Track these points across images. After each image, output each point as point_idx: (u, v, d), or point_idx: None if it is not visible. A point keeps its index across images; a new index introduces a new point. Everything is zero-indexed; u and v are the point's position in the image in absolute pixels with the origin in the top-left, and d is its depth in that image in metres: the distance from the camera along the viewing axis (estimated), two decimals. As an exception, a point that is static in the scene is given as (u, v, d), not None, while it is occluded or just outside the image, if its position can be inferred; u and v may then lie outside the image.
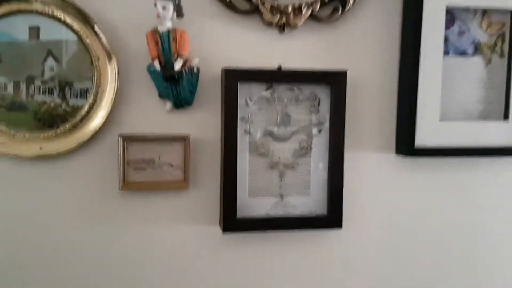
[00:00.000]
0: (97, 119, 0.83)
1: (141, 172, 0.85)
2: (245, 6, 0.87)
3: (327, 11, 0.90)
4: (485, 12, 0.96)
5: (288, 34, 0.90)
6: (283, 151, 0.91)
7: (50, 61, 0.82)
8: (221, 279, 0.93)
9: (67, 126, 0.83)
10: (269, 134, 0.90)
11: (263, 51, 0.89)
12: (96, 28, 0.81)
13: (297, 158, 0.91)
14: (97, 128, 0.83)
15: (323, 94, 0.90)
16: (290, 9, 0.87)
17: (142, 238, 0.89)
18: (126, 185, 0.85)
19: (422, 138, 0.93)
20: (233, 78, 0.86)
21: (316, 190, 0.92)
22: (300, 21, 0.88)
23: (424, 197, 0.99)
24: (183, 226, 0.90)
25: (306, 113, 0.91)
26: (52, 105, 0.83)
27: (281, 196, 0.91)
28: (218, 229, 0.91)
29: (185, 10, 0.83)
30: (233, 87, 0.86)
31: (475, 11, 0.96)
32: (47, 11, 0.80)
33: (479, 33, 0.97)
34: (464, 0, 0.94)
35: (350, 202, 0.95)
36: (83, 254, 0.88)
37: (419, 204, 0.99)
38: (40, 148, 0.82)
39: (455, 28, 0.96)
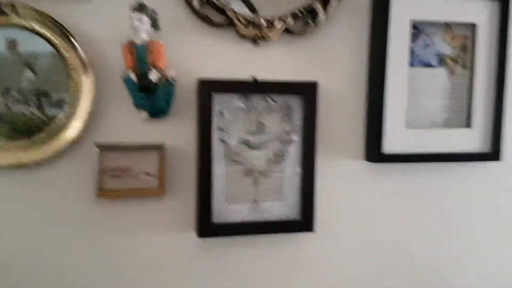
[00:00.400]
0: (74, 129, 0.85)
1: (117, 180, 0.87)
2: (220, 19, 0.90)
3: (299, 24, 0.94)
4: (448, 25, 1.01)
5: (262, 46, 0.93)
6: (258, 158, 0.94)
7: (27, 73, 0.83)
8: (198, 285, 0.95)
9: (44, 135, 0.84)
10: (244, 142, 0.93)
11: (238, 63, 0.92)
12: (73, 40, 0.83)
13: (271, 165, 0.95)
14: (74, 138, 0.85)
15: (296, 104, 0.94)
16: (263, 22, 0.91)
17: (118, 245, 0.90)
18: (102, 192, 0.86)
19: (389, 145, 0.98)
20: (208, 89, 0.88)
21: (290, 196, 0.95)
22: (274, 34, 0.92)
23: (392, 201, 1.03)
24: (159, 232, 0.92)
25: (280, 122, 0.94)
26: (29, 115, 0.84)
27: (256, 202, 0.94)
28: (194, 235, 0.93)
29: (161, 23, 0.85)
30: (208, 98, 0.88)
31: (439, 24, 1.01)
32: (24, 24, 0.81)
33: (443, 45, 1.02)
34: (428, 15, 0.99)
35: (322, 207, 0.98)
36: (59, 262, 0.88)
37: (387, 208, 1.03)
38: (17, 158, 0.83)
39: (420, 41, 1.01)
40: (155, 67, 0.84)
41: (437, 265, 1.07)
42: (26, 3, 0.81)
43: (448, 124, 1.03)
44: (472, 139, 1.03)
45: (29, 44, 0.82)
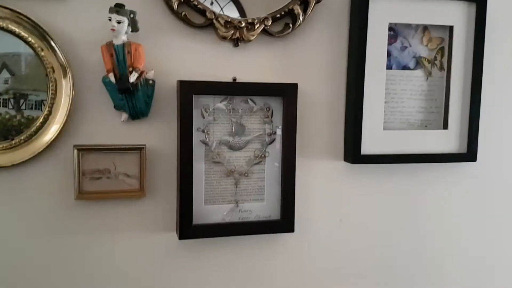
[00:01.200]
0: (52, 130, 0.84)
1: (97, 181, 0.87)
2: (200, 20, 0.91)
3: (278, 26, 0.95)
4: (425, 28, 1.03)
5: (241, 48, 0.94)
6: (238, 159, 0.95)
7: (5, 74, 0.82)
8: (179, 286, 0.95)
9: (22, 137, 0.83)
10: (224, 143, 0.94)
11: (218, 64, 0.93)
12: (51, 41, 0.82)
13: (251, 166, 0.95)
14: (52, 139, 0.84)
15: (276, 105, 0.95)
16: (243, 24, 0.91)
17: (98, 247, 0.90)
18: (81, 194, 0.86)
19: (368, 146, 1.00)
20: (188, 90, 0.89)
21: (270, 196, 0.96)
22: (253, 36, 0.92)
23: (371, 201, 1.05)
24: (140, 234, 0.92)
25: (260, 123, 0.95)
26: (7, 116, 0.83)
27: (237, 203, 0.95)
28: (175, 236, 0.93)
29: (140, 24, 0.85)
30: (188, 99, 0.89)
31: (416, 27, 1.03)
32: (2, 24, 0.80)
33: (420, 48, 1.04)
34: (405, 17, 1.01)
35: (302, 207, 0.99)
36: (39, 265, 0.88)
37: (366, 207, 1.05)
38: (-6, 160, 0.82)
39: (398, 43, 1.03)
40: (134, 68, 0.84)
41: (415, 264, 1.10)
42: (2, 4, 0.80)
43: (424, 125, 1.05)
44: (448, 140, 1.05)
45: (7, 45, 0.81)
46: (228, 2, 0.92)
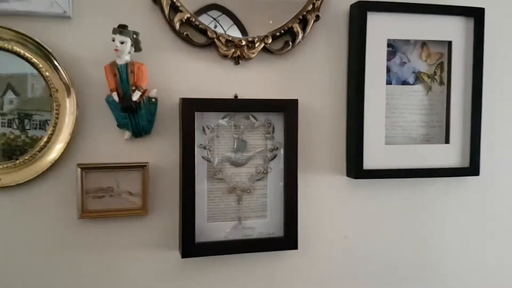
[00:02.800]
0: (56, 150, 0.85)
1: (100, 200, 0.87)
2: (201, 39, 0.92)
3: (278, 44, 0.96)
4: (424, 43, 1.04)
5: (242, 65, 0.95)
6: (240, 176, 0.95)
7: (9, 95, 0.84)
8: (181, 304, 0.95)
9: (26, 157, 0.84)
10: (226, 160, 0.94)
11: (219, 82, 0.94)
12: (55, 61, 0.84)
13: (254, 182, 0.95)
14: (56, 159, 0.85)
15: (277, 121, 0.95)
16: (244, 42, 0.93)
17: (102, 265, 0.90)
18: (85, 213, 0.86)
19: (370, 161, 0.99)
20: (190, 108, 0.89)
21: (273, 213, 0.96)
22: (254, 54, 0.94)
23: (374, 216, 1.04)
24: (143, 252, 0.92)
25: (262, 139, 0.95)
26: (12, 136, 0.84)
27: (239, 220, 0.95)
28: (177, 254, 0.93)
29: (143, 44, 0.87)
30: (190, 116, 0.89)
31: (414, 42, 1.04)
32: (6, 46, 0.82)
33: (419, 63, 1.05)
34: (403, 33, 1.02)
35: (306, 224, 0.99)
36: (42, 282, 0.87)
37: (370, 223, 1.04)
38: (-1, 179, 0.83)
39: (397, 59, 1.04)
40: (137, 87, 0.86)
41: (418, 278, 1.08)
42: (6, 25, 0.82)
43: (426, 140, 1.05)
44: (450, 154, 1.05)
45: (12, 66, 0.83)
46: (232, 25, 0.93)
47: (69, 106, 0.85)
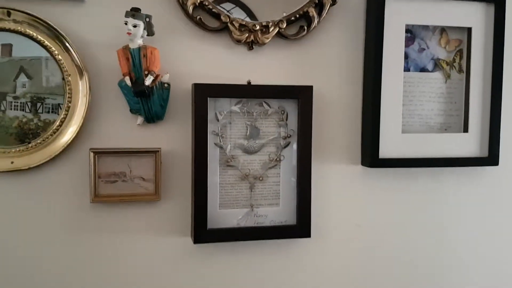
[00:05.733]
0: (69, 134, 0.85)
1: (112, 185, 0.87)
2: (215, 24, 0.91)
3: (293, 29, 0.94)
4: (443, 30, 1.02)
5: (256, 51, 0.93)
6: (253, 163, 0.94)
7: (22, 78, 0.84)
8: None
9: (39, 140, 0.84)
10: (239, 147, 0.93)
11: (232, 67, 0.93)
12: (67, 45, 0.83)
13: (266, 170, 0.94)
14: (69, 143, 0.85)
15: (291, 108, 0.94)
16: (258, 27, 0.91)
17: (113, 250, 0.90)
18: (97, 198, 0.86)
19: (386, 150, 0.97)
20: (203, 93, 0.88)
21: (286, 201, 0.95)
22: (268, 39, 0.92)
23: (389, 206, 1.03)
24: (154, 238, 0.91)
25: (275, 126, 0.94)
26: (24, 120, 0.84)
27: (252, 207, 0.94)
28: (189, 240, 0.93)
29: (156, 28, 0.86)
30: (203, 102, 0.88)
31: (433, 29, 1.01)
32: (19, 29, 0.81)
33: (438, 50, 1.02)
34: (422, 19, 0.99)
35: (319, 212, 0.97)
36: (55, 267, 0.88)
37: (384, 212, 1.02)
38: (12, 163, 0.83)
39: (415, 45, 1.01)
40: (150, 72, 0.85)
41: (435, 269, 1.06)
42: (20, 8, 0.82)
43: (444, 128, 1.03)
44: (469, 143, 1.02)
45: (24, 49, 0.83)
46: (245, 18, 0.92)
47: (82, 90, 0.85)
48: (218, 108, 0.91)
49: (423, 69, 1.02)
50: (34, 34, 0.82)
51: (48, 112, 0.85)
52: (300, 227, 0.95)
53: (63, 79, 0.84)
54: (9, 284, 0.87)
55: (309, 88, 0.93)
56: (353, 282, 1.02)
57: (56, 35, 0.83)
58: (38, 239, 0.87)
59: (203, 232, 0.90)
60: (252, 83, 0.92)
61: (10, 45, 0.82)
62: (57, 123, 0.84)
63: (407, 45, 0.99)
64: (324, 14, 0.94)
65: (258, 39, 0.92)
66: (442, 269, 1.07)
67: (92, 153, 0.85)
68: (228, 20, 0.90)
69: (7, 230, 0.86)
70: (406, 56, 1.00)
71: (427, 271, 1.06)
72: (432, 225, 1.05)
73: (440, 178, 1.05)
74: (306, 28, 0.94)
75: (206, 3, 0.89)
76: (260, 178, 0.94)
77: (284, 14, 0.92)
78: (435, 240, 1.06)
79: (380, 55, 0.96)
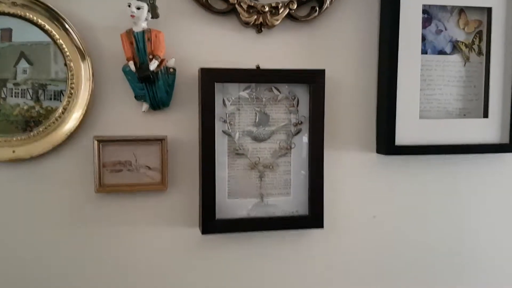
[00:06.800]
0: (72, 121, 0.82)
1: (117, 174, 0.84)
2: (222, 6, 0.87)
3: (304, 10, 0.90)
4: (461, 10, 0.97)
5: (265, 34, 0.90)
6: (263, 151, 0.91)
7: (23, 64, 0.81)
8: (201, 282, 0.92)
9: (41, 128, 0.82)
10: (248, 134, 0.90)
11: (241, 51, 0.89)
12: (69, 29, 0.80)
13: (277, 158, 0.91)
14: (72, 130, 0.82)
15: (302, 94, 0.90)
16: (267, 8, 0.87)
17: (119, 241, 0.88)
18: (102, 187, 0.84)
19: (402, 137, 0.94)
20: (210, 78, 0.85)
21: (297, 190, 0.92)
22: (278, 21, 0.88)
23: (406, 195, 0.99)
24: (161, 228, 0.89)
25: (285, 112, 0.91)
26: (25, 107, 0.81)
27: (261, 197, 0.91)
28: (197, 230, 0.90)
29: (160, 10, 0.82)
30: (210, 87, 0.85)
31: (451, 9, 0.97)
32: (19, 12, 0.78)
33: (457, 31, 0.98)
34: (440, -1, 0.95)
35: (332, 202, 0.94)
36: (58, 258, 0.86)
37: (401, 202, 0.99)
38: (13, 152, 0.81)
39: (432, 27, 0.96)
40: (155, 56, 0.82)
41: (452, 259, 1.03)
42: (19, -9, 0.79)
43: (463, 114, 0.99)
44: (489, 129, 0.98)
45: (24, 34, 0.80)
46: None
47: (85, 76, 0.82)
48: (225, 94, 0.88)
49: (440, 52, 0.98)
50: (35, 18, 0.79)
51: (50, 99, 0.82)
52: (312, 218, 0.91)
53: (65, 64, 0.81)
54: (7, 276, 0.85)
55: (321, 72, 0.89)
56: (368, 275, 0.99)
57: (57, 19, 0.80)
58: (41, 231, 0.85)
59: (211, 222, 0.87)
60: (261, 68, 0.88)
61: (10, 30, 0.79)
62: (60, 110, 0.82)
63: (424, 26, 0.95)
64: (337, -6, 0.90)
65: (267, 21, 0.88)
66: (461, 260, 1.03)
67: (96, 142, 0.83)
68: (235, 1, 0.86)
69: (9, 222, 0.84)
70: (423, 38, 0.95)
71: (446, 262, 1.02)
72: (451, 215, 1.02)
73: (458, 165, 1.01)
74: (317, 9, 0.90)
75: (213, -16, 0.85)
76: (270, 167, 0.91)
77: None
78: (454, 231, 1.02)
79: (396, 37, 0.92)
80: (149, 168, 0.86)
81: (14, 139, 0.81)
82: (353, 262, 0.98)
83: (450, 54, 0.98)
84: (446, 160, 1.00)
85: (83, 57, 0.82)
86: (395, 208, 0.99)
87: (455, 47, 0.98)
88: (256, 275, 0.94)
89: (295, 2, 0.88)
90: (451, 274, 1.03)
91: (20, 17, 0.79)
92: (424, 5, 0.94)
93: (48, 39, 0.80)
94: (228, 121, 0.88)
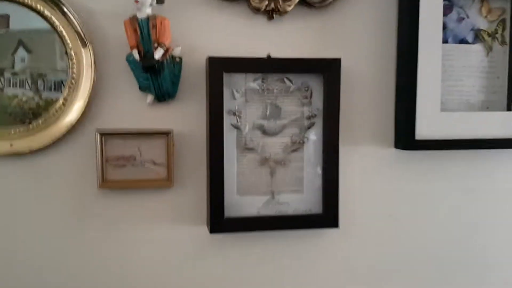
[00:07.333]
0: (73, 113, 0.78)
1: (121, 169, 0.81)
2: (231, -9, 0.83)
3: (318, -4, 0.86)
4: (484, -3, 0.92)
5: (277, 21, 0.85)
6: (274, 146, 0.86)
7: (21, 52, 0.77)
8: (209, 283, 0.88)
9: (40, 121, 0.78)
10: (258, 128, 0.85)
11: (251, 39, 0.85)
12: (70, 15, 0.76)
13: (288, 153, 0.86)
14: (73, 123, 0.79)
15: (316, 84, 0.86)
16: (278, -6, 0.83)
17: (122, 239, 0.84)
18: (105, 183, 0.80)
19: (422, 131, 0.89)
20: (219, 68, 0.81)
21: (310, 188, 0.87)
22: (290, 7, 0.84)
23: (425, 192, 0.94)
24: (167, 226, 0.85)
25: (298, 105, 0.86)
26: (24, 98, 0.78)
27: (272, 194, 0.86)
28: (205, 229, 0.86)
29: (166, -4, 0.79)
30: (218, 78, 0.81)
31: (474, -4, 0.92)
32: (17, -2, 0.75)
33: (479, 19, 0.93)
34: (462, -15, 0.90)
35: (347, 200, 0.90)
36: (58, 257, 0.82)
37: (420, 200, 0.94)
38: (11, 145, 0.77)
39: (454, 14, 0.92)
40: (160, 44, 0.78)
41: (476, 262, 0.98)
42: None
43: (486, 106, 0.94)
44: (513, 123, 0.93)
45: (23, 21, 0.76)
46: None
47: (86, 65, 0.78)
48: (234, 84, 0.83)
49: (462, 41, 0.93)
50: (33, 4, 0.75)
51: (50, 89, 0.78)
52: (327, 217, 0.87)
53: (66, 53, 0.77)
54: (9, 277, 0.81)
55: (337, 62, 0.84)
56: (384, 277, 0.94)
57: (57, 4, 0.76)
58: (40, 229, 0.81)
59: (220, 220, 0.83)
60: (272, 57, 0.84)
61: (7, 16, 0.75)
62: (60, 102, 0.78)
63: (444, 13, 0.90)
64: (353, -21, 0.85)
65: (279, 7, 0.83)
66: (484, 260, 0.98)
67: (99, 135, 0.79)
68: (245, -14, 0.82)
69: (6, 219, 0.80)
70: (444, 26, 0.90)
71: (468, 263, 0.97)
72: (474, 213, 0.97)
73: (482, 161, 0.95)
74: (332, -6, 0.85)
75: (221, -32, 0.81)
76: (282, 163, 0.86)
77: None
78: (477, 230, 0.97)
79: (415, 25, 0.87)
80: (155, 163, 0.82)
81: (12, 132, 0.77)
82: (370, 264, 0.93)
83: (472, 43, 0.93)
84: (468, 155, 0.95)
85: (84, 45, 0.77)
86: (414, 206, 0.94)
87: (477, 36, 0.93)
88: (266, 277, 0.90)
89: (309, -13, 0.84)
90: (473, 276, 0.98)
91: (18, 2, 0.75)
92: (445, -9, 0.89)
93: (47, 26, 0.76)
94: (237, 113, 0.84)
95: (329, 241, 0.91)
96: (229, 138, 0.84)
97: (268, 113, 0.85)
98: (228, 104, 0.83)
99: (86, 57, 0.78)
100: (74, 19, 0.76)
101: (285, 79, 0.85)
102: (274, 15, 0.84)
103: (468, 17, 0.92)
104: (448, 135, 0.90)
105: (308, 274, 0.92)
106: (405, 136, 0.89)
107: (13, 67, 0.76)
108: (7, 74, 0.76)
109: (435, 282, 0.97)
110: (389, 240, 0.94)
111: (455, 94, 0.92)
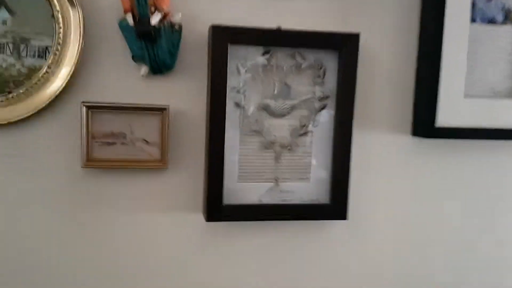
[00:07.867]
0: (57, 83, 0.71)
1: (109, 147, 0.74)
2: (239, -47, 0.75)
3: (337, -37, 0.78)
4: (517, -26, 0.85)
5: (290, -11, 0.78)
6: (280, 128, 0.80)
7: (3, 13, 0.70)
8: (204, 275, 0.83)
9: (22, 90, 0.70)
10: (264, 108, 0.79)
11: (260, 9, 0.78)
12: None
13: (296, 137, 0.80)
14: (57, 94, 0.71)
15: (330, 62, 0.79)
16: (292, -41, 0.75)
17: (110, 226, 0.78)
18: (90, 162, 0.73)
19: (444, 118, 0.82)
20: (223, 39, 0.73)
21: (318, 175, 0.81)
22: (304, -26, 0.76)
23: (444, 184, 0.89)
24: (159, 213, 0.79)
25: (309, 84, 0.79)
26: (4, 65, 0.70)
27: (277, 181, 0.80)
28: (201, 217, 0.80)
29: (166, -45, 0.71)
30: (222, 50, 0.73)
31: (506, -28, 0.84)
32: (-4, -51, 0.67)
33: (510, -1, 0.86)
34: (494, -41, 0.82)
35: (358, 190, 0.84)
36: (42, 239, 0.76)
37: (438, 192, 0.89)
38: (-13, 116, 0.70)
39: (484, -9, 0.85)
40: (157, 8, 0.70)
41: (497, 260, 0.92)
42: None
43: (513, 94, 0.87)
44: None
45: (4, -24, 0.68)
46: None
47: (74, 30, 0.70)
48: (240, 58, 0.76)
49: (491, 21, 0.85)
50: (15, -44, 0.67)
51: (34, 56, 0.71)
52: (335, 207, 0.81)
53: (53, 16, 0.70)
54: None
55: (355, 37, 0.77)
56: (396, 274, 0.89)
57: (42, -43, 0.68)
58: (19, 208, 0.75)
59: (217, 208, 0.77)
60: (283, 29, 0.76)
61: (-14, -29, 0.67)
62: (44, 70, 0.70)
63: (474, -10, 0.83)
64: None
65: (292, -27, 0.75)
66: (508, 257, 0.92)
67: (85, 108, 0.72)
68: None
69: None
70: (472, 5, 0.83)
71: (489, 260, 0.92)
72: (497, 207, 0.91)
73: (507, 152, 0.90)
74: (352, -38, 0.77)
75: None
76: (288, 147, 0.80)
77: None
78: (501, 226, 0.92)
79: (442, 1, 0.80)
80: (147, 142, 0.76)
81: (-11, 101, 0.70)
82: (381, 260, 0.88)
83: (501, 24, 0.85)
84: (492, 145, 0.89)
85: (73, 9, 0.70)
86: (431, 198, 0.88)
87: (508, 16, 0.86)
88: (267, 270, 0.85)
89: (327, -47, 0.76)
90: (486, 268, 0.93)
91: (-3, -46, 0.67)
92: (474, -34, 0.81)
93: (32, -17, 0.68)
94: (241, 91, 0.77)
95: (335, 234, 0.86)
96: (232, 118, 0.77)
97: (275, 92, 0.78)
98: (232, 80, 0.76)
99: (74, 23, 0.70)
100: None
101: (297, 55, 0.78)
102: (286, -18, 0.77)
103: (499, -5, 0.85)
104: (471, 124, 0.84)
105: (311, 268, 0.86)
106: (424, 123, 0.83)
107: (-8, 29, 0.69)
108: (-15, 38, 0.69)
109: (451, 279, 0.91)
110: (403, 235, 0.88)
111: (481, 79, 0.85)
